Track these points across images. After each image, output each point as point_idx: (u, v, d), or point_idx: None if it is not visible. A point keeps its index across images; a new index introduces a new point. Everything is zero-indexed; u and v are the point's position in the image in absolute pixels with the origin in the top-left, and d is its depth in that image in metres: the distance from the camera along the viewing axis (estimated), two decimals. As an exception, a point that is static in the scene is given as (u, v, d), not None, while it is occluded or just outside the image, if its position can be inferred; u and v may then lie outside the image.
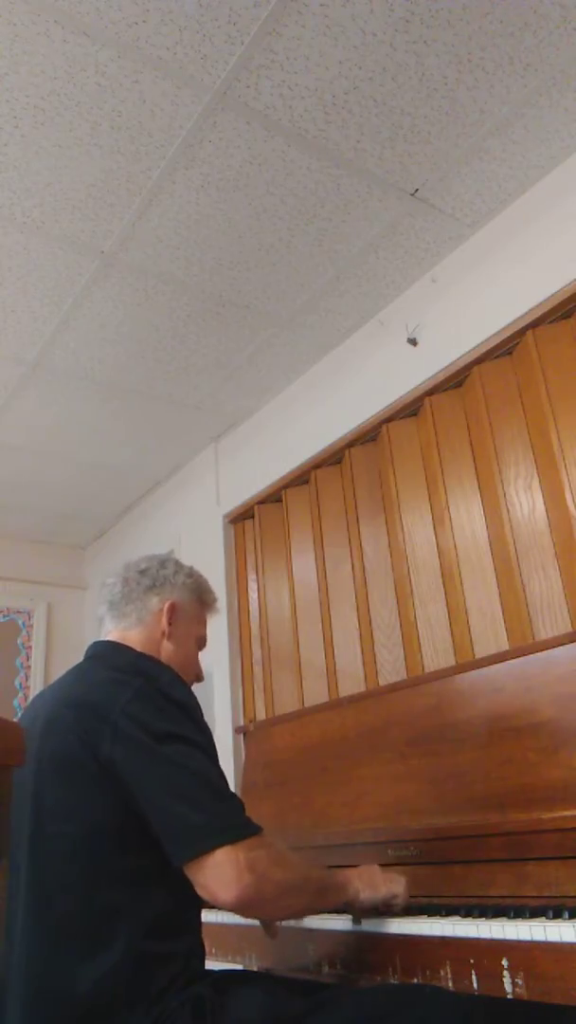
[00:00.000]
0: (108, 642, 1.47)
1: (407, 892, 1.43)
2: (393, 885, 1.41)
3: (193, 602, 1.56)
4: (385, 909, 1.42)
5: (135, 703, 1.22)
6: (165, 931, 1.18)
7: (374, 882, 1.39)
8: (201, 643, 1.57)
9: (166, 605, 1.50)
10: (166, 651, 1.48)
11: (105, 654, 1.43)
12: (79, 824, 1.20)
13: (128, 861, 1.19)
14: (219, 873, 1.13)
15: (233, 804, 1.21)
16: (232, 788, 1.27)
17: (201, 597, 1.58)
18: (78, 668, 1.41)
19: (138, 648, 1.43)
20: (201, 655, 1.59)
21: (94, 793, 1.20)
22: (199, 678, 1.57)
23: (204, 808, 1.16)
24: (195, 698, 1.31)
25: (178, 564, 1.59)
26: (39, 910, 1.19)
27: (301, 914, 1.41)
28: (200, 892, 1.16)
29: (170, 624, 1.49)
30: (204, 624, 1.59)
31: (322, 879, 1.32)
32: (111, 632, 1.49)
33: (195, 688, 1.50)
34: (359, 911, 1.41)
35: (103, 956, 1.13)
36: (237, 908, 1.16)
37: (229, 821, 1.17)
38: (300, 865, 1.26)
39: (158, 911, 1.18)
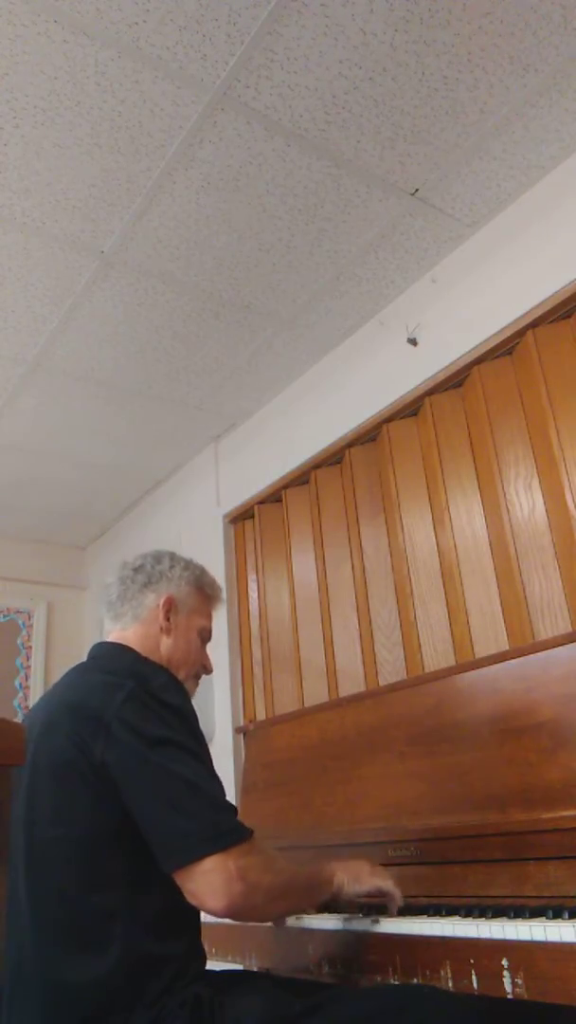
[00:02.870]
0: (106, 643, 1.47)
1: (396, 890, 1.43)
2: (378, 880, 1.41)
3: (192, 594, 1.53)
4: (381, 906, 1.42)
5: (128, 706, 1.21)
6: (163, 932, 1.18)
7: (359, 875, 1.40)
8: (204, 635, 1.54)
9: (162, 600, 1.48)
10: (165, 647, 1.46)
11: (102, 655, 1.43)
12: (74, 828, 1.20)
13: (124, 863, 1.19)
14: (208, 881, 1.13)
15: (223, 809, 1.20)
16: (232, 789, 1.27)
17: (202, 589, 1.55)
18: (76, 669, 1.41)
19: (136, 646, 1.43)
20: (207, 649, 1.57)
21: (88, 796, 1.19)
22: (207, 670, 1.55)
23: (193, 815, 1.16)
24: (190, 702, 1.31)
25: (174, 557, 1.56)
26: (37, 912, 1.19)
27: (289, 914, 1.42)
28: (189, 899, 1.16)
29: (167, 619, 1.48)
30: (207, 616, 1.56)
31: (309, 878, 1.33)
32: (111, 633, 1.49)
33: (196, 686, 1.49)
34: (345, 905, 1.42)
35: (101, 958, 1.13)
36: (226, 915, 1.16)
37: (219, 828, 1.16)
38: (288, 868, 1.26)
39: (155, 912, 1.18)
